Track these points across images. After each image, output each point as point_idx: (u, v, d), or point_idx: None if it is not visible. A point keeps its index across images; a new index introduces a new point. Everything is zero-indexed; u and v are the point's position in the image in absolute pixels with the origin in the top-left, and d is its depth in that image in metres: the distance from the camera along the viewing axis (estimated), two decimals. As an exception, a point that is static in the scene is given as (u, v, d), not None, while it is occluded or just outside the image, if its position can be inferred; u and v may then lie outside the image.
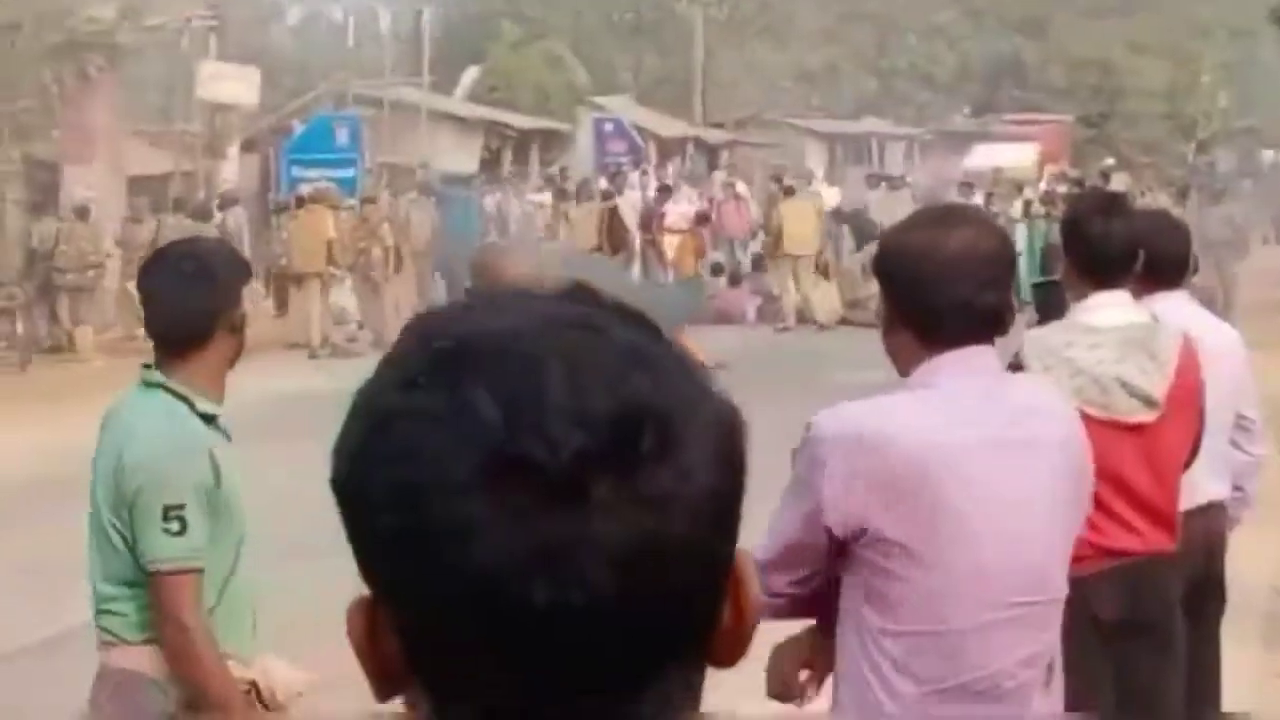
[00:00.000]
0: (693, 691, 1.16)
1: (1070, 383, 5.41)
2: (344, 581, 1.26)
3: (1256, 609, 9.48)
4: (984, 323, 3.76)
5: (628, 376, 1.13)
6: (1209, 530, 6.29)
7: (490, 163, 39.99)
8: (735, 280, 30.54)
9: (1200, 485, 6.07)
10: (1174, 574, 5.72)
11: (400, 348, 1.19)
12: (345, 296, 26.24)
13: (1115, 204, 5.97)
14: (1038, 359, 5.50)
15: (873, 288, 4.95)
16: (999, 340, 3.83)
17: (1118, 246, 5.67)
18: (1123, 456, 5.41)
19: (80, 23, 18.84)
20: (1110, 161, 44.41)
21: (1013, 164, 44.64)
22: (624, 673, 1.13)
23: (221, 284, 4.85)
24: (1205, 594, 6.27)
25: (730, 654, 1.18)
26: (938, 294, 3.73)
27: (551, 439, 1.09)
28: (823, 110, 55.26)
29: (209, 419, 4.83)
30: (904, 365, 3.80)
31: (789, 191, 30.60)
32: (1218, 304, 13.10)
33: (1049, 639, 3.78)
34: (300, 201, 26.92)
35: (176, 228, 26.14)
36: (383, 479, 1.13)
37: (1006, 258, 3.87)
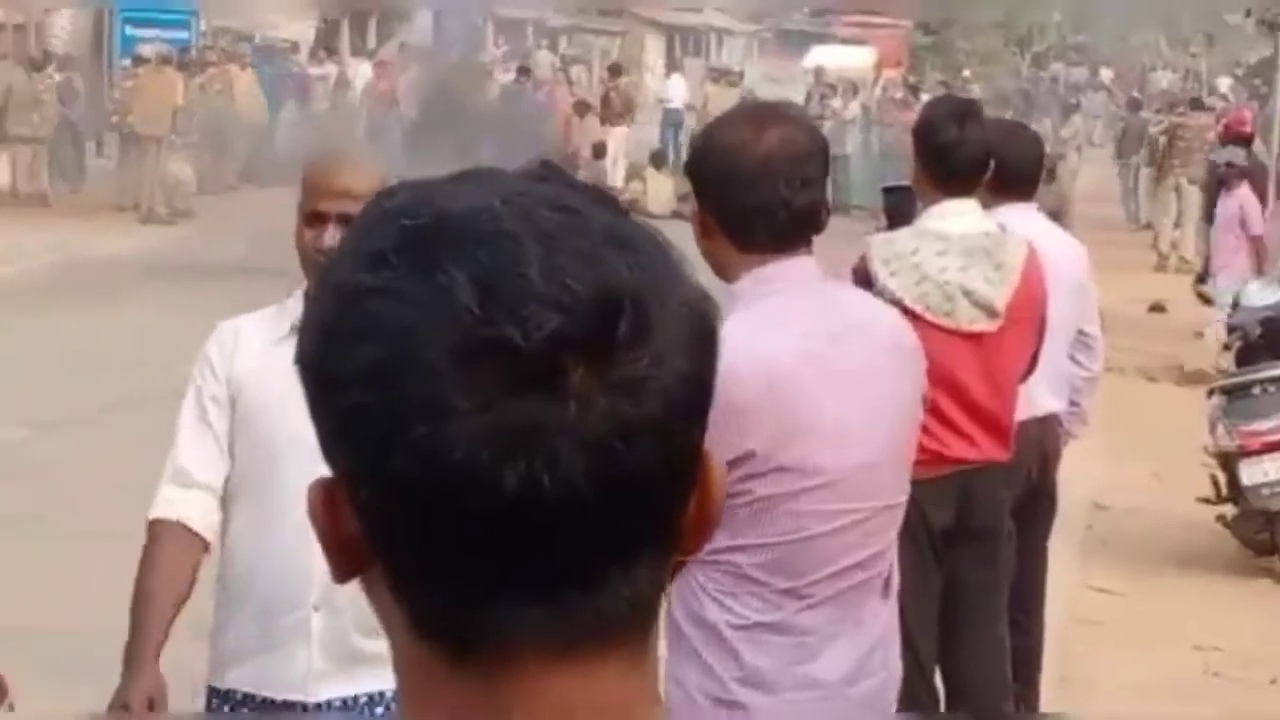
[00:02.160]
0: (659, 583, 1.14)
1: (915, 289, 5.43)
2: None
3: (1076, 523, 9.64)
4: (799, 224, 3.70)
5: (605, 259, 1.10)
6: (1043, 442, 6.37)
7: (327, 33, 39.45)
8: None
9: (1037, 397, 6.13)
10: (1006, 483, 5.78)
11: (368, 224, 1.15)
12: (182, 166, 25.90)
13: (968, 111, 5.97)
14: (884, 263, 5.51)
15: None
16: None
17: (970, 154, 5.67)
18: (962, 365, 5.44)
19: None
20: (966, 73, 44.80)
21: (850, 66, 44.81)
22: (593, 560, 1.10)
23: None
24: (1035, 505, 6.35)
25: (695, 543, 1.16)
26: (752, 194, 3.66)
27: (528, 321, 1.07)
28: (665, 1, 55.05)
29: None
30: (724, 271, 3.69)
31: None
32: (1062, 219, 13.25)
33: (886, 543, 3.79)
34: (139, 61, 26.46)
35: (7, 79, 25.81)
36: (352, 355, 1.10)
37: (821, 155, 3.79)
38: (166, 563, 3.99)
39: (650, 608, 1.15)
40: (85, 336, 14.94)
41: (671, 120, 34.77)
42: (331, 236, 3.74)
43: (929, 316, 5.33)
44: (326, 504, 1.15)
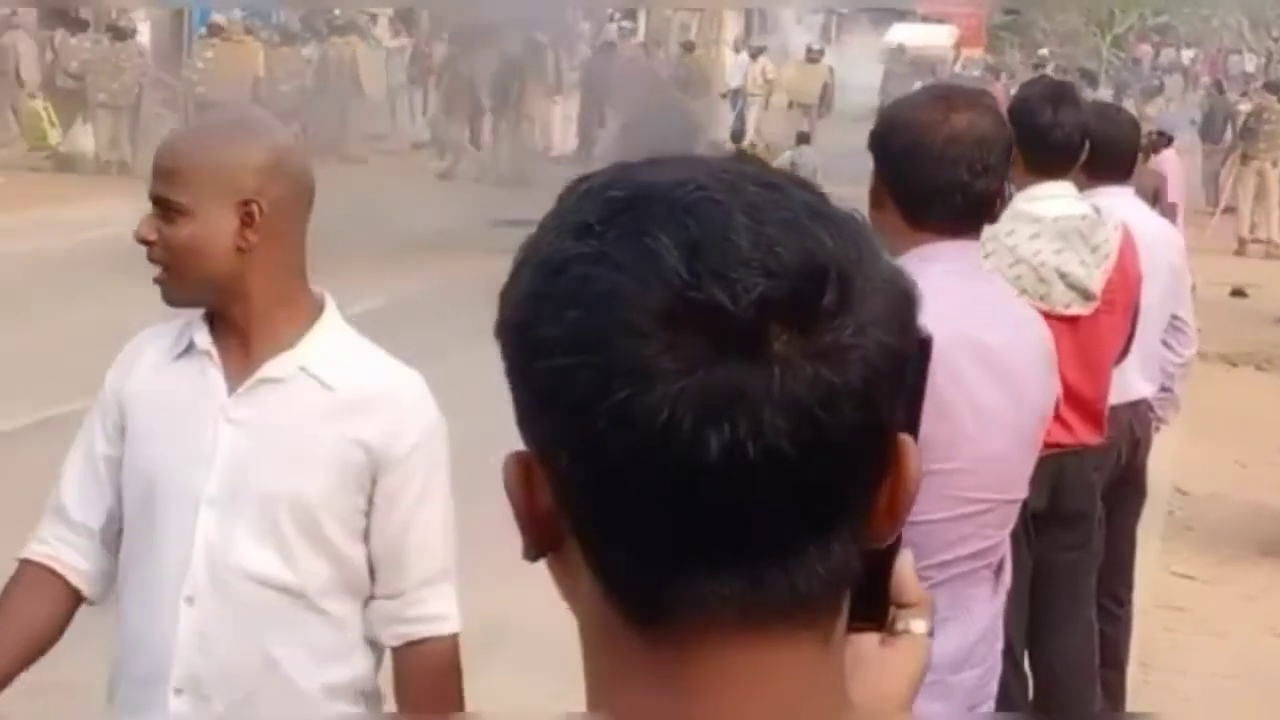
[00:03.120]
0: (852, 566, 1.14)
1: (1009, 271, 5.41)
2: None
3: (1159, 508, 9.61)
4: (974, 209, 3.72)
5: (810, 231, 1.11)
6: (1134, 427, 6.34)
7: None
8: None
9: (1130, 381, 6.11)
10: (1098, 467, 5.77)
11: (567, 201, 1.17)
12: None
13: (1063, 93, 5.94)
14: (980, 244, 5.48)
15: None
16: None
17: (1065, 136, 5.65)
18: (1057, 348, 5.41)
19: None
20: (1044, 52, 44.50)
21: (929, 44, 44.63)
22: (791, 531, 1.11)
23: None
24: (1125, 490, 6.33)
25: (886, 529, 1.17)
26: (932, 174, 3.68)
27: (736, 285, 1.07)
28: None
29: None
30: (889, 244, 3.72)
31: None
32: (1160, 201, 13.20)
33: (1002, 537, 3.78)
34: (216, 30, 26.61)
35: (85, 47, 25.99)
36: (557, 320, 1.11)
37: (1004, 144, 3.80)
38: (17, 606, 3.37)
39: (841, 590, 1.15)
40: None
41: (737, 98, 34.72)
42: (148, 224, 3.22)
43: (1024, 299, 5.32)
44: (522, 478, 1.16)
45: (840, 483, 1.12)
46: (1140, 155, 7.12)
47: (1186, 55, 58.75)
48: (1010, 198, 5.76)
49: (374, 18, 33.74)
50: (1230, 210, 25.56)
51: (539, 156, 27.48)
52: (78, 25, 26.83)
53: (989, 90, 4.50)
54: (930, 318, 1.14)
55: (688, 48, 34.87)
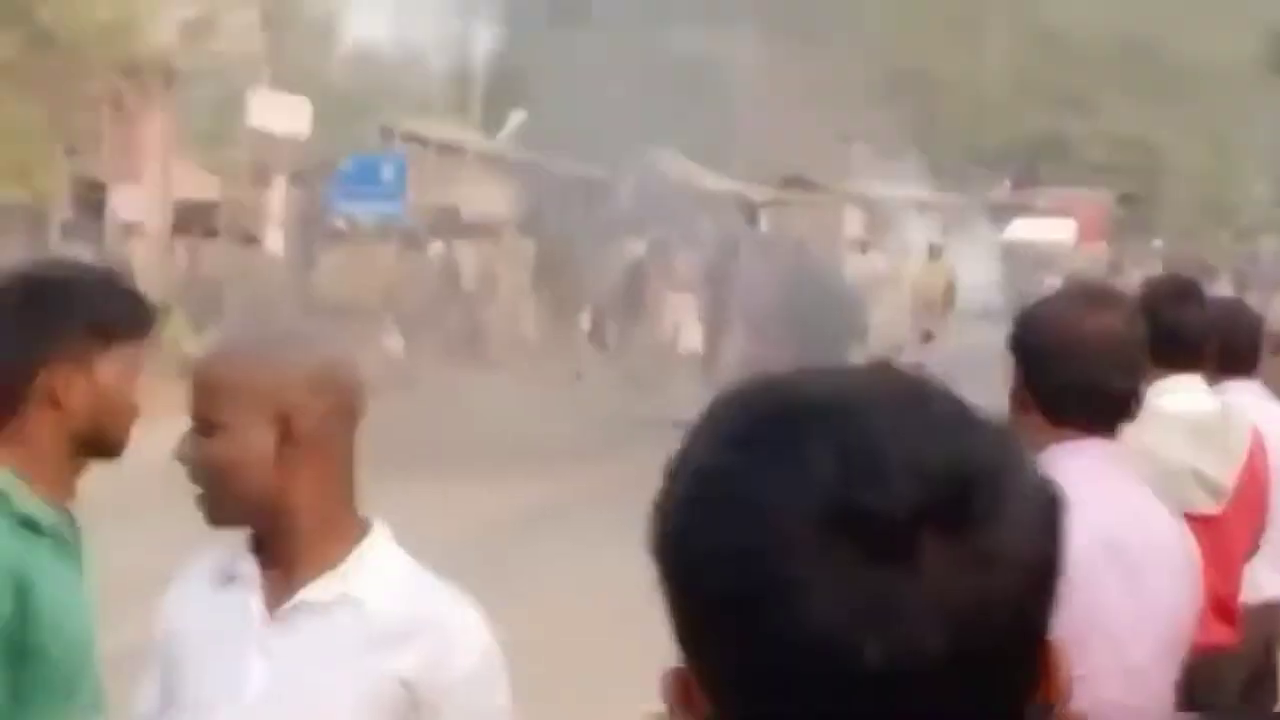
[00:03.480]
0: None
1: (1139, 469, 5.39)
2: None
3: None
4: (1113, 408, 3.74)
5: (959, 436, 1.13)
6: (1268, 626, 6.26)
7: (531, 208, 39.95)
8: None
9: (1262, 581, 6.04)
10: (1234, 669, 5.69)
11: (717, 414, 1.19)
12: (394, 338, 26.44)
13: (1189, 289, 5.94)
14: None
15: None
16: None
17: (1192, 332, 5.64)
18: (1189, 547, 5.38)
19: (141, 44, 18.90)
20: (1158, 243, 44.32)
21: (1051, 238, 44.55)
22: None
23: (48, 325, 3.32)
24: (1260, 689, 6.23)
25: None
26: (1074, 373, 3.71)
27: (890, 491, 1.09)
28: (864, 174, 55.17)
29: (31, 524, 3.31)
30: (1030, 443, 3.71)
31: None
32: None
33: None
34: (345, 233, 27.12)
35: (218, 254, 26.50)
36: (715, 532, 1.13)
37: (1141, 343, 3.84)
38: None
39: None
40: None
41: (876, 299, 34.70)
42: (185, 443, 3.11)
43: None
44: (681, 692, 1.17)
45: (995, 690, 1.12)
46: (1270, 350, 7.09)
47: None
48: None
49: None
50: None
51: (667, 354, 27.58)
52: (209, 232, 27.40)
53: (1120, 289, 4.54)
54: (1070, 518, 1.16)
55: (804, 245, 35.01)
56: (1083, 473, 3.60)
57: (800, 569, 1.09)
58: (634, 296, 29.22)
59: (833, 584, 1.08)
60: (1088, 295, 3.98)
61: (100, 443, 3.39)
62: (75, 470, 3.41)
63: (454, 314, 27.70)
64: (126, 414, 3.38)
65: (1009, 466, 1.14)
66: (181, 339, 25.92)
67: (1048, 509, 1.16)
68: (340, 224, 27.69)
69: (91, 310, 3.34)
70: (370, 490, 3.20)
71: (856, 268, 37.05)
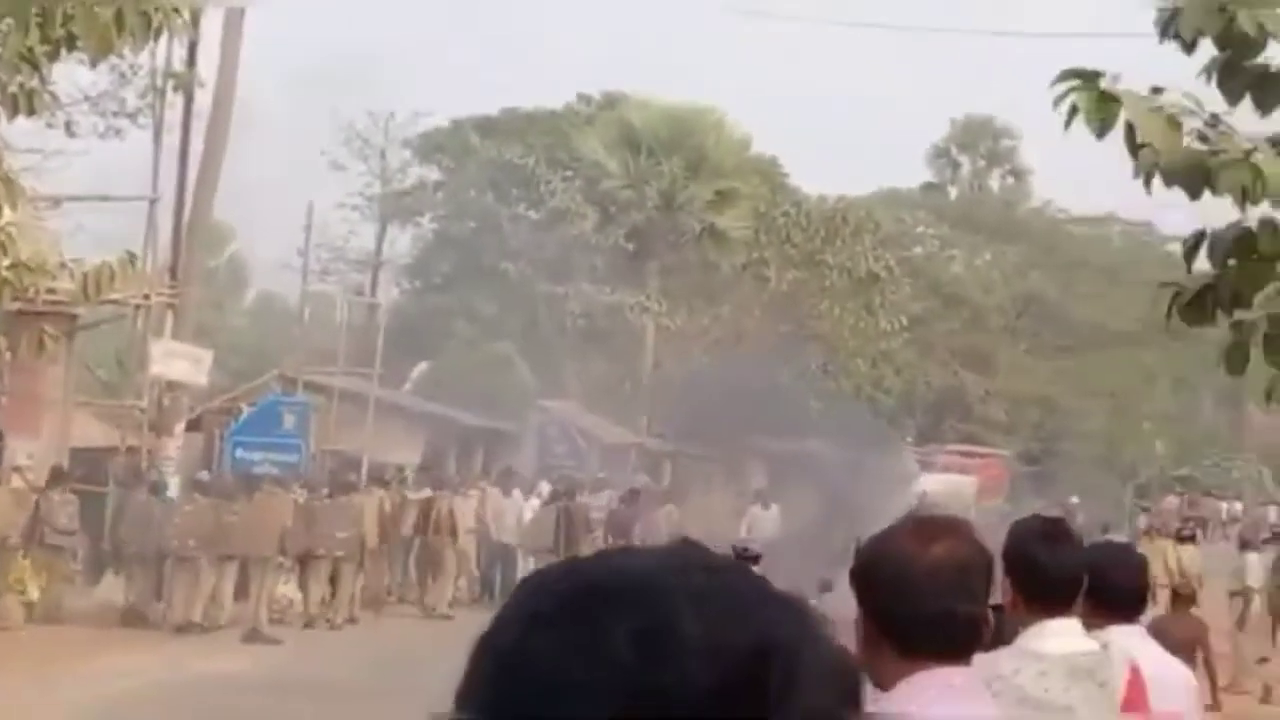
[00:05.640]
0: None
1: (1016, 710, 5.37)
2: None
3: None
4: (963, 634, 3.74)
5: (754, 615, 1.14)
6: None
7: (434, 458, 39.98)
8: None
9: (1143, 821, 6.00)
10: None
11: (522, 593, 1.20)
12: (293, 589, 26.40)
13: (1058, 529, 5.94)
14: (985, 684, 5.46)
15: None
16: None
17: (1061, 573, 5.63)
18: (1068, 786, 5.35)
19: (41, 292, 18.93)
20: (1075, 500, 44.74)
21: (952, 494, 44.80)
22: None
23: None
24: None
25: None
26: (917, 603, 3.71)
27: (686, 672, 1.09)
28: (768, 429, 55.49)
29: None
30: (882, 679, 3.69)
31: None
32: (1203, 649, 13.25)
33: None
34: (253, 483, 27.05)
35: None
36: (512, 716, 1.13)
37: (985, 568, 3.86)
38: None
39: None
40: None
41: (780, 552, 34.62)
42: None
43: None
44: None
45: None
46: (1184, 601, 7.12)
47: (1232, 507, 58.06)
48: (1013, 635, 5.77)
49: (400, 469, 34.11)
50: (1264, 660, 25.37)
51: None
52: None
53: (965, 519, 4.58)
54: None
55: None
56: (938, 702, 3.61)
57: None
58: (560, 539, 29.38)
59: None
60: (927, 525, 3.98)
61: None
62: None
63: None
64: None
65: (806, 639, 1.15)
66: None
67: (847, 681, 1.16)
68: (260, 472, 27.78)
69: None
70: None
71: (756, 520, 37.13)
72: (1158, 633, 6.91)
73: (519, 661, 1.14)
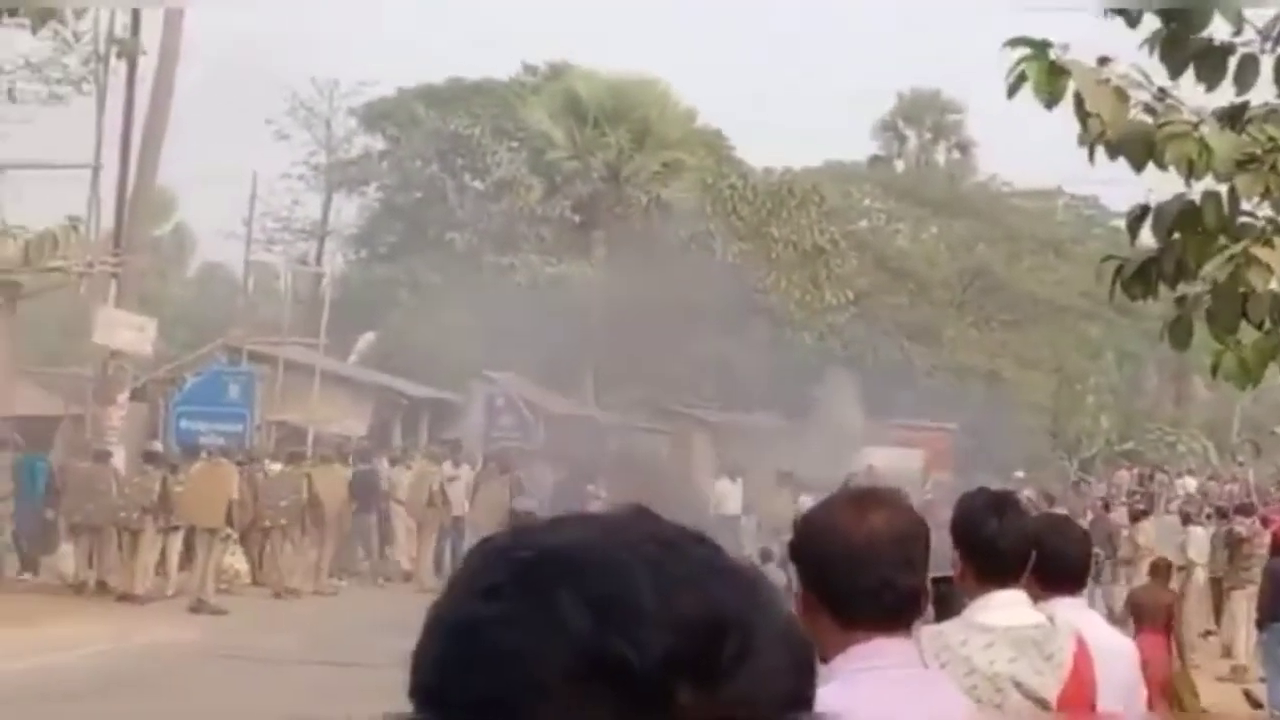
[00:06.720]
0: None
1: (964, 681, 5.39)
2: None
3: None
4: (902, 604, 3.75)
5: (708, 585, 1.13)
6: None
7: (380, 429, 39.93)
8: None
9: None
10: None
11: (474, 563, 1.19)
12: (239, 559, 26.38)
13: (1006, 503, 5.97)
14: (934, 655, 5.48)
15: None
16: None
17: (1009, 545, 5.66)
18: (1015, 758, 5.38)
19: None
20: (1020, 474, 44.94)
21: (899, 467, 44.94)
22: None
23: None
24: None
25: None
26: (855, 575, 3.71)
27: (641, 641, 1.09)
28: (715, 401, 55.56)
29: None
30: (822, 649, 3.72)
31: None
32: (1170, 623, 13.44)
33: None
34: (196, 453, 26.99)
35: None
36: (468, 686, 1.12)
37: (923, 539, 3.86)
38: None
39: None
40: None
41: (729, 526, 34.71)
42: None
43: (979, 710, 5.29)
44: None
45: None
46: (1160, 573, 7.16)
47: (1185, 483, 58.01)
48: (963, 607, 5.80)
49: (346, 439, 34.05)
50: (1209, 634, 25.53)
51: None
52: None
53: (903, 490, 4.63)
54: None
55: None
56: (879, 672, 3.62)
57: (554, 718, 1.09)
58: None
59: None
60: (864, 497, 4.00)
61: None
62: None
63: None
64: None
65: (759, 610, 1.15)
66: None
67: (800, 653, 1.16)
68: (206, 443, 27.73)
69: None
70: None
71: (724, 495, 37.24)
72: (1135, 602, 6.96)
73: (473, 631, 1.13)
